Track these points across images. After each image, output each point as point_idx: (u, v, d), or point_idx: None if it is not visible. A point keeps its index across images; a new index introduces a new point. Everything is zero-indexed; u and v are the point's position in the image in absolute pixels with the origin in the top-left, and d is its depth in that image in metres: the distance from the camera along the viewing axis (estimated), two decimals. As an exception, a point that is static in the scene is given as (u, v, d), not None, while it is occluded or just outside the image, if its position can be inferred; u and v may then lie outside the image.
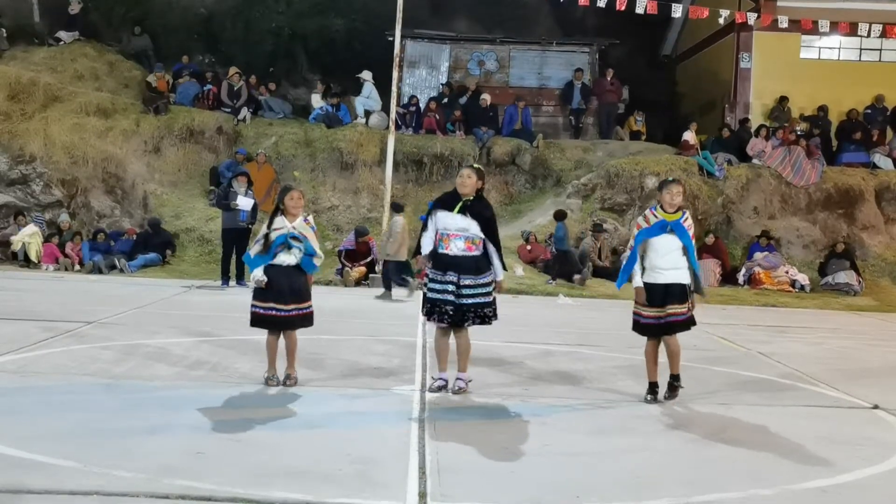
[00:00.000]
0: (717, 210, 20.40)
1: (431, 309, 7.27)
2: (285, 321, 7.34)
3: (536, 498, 4.72)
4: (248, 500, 4.43)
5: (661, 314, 7.29)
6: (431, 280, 7.30)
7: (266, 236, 7.32)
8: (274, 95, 22.73)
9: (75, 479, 4.63)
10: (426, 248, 7.44)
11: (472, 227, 7.29)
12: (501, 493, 4.79)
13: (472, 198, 7.35)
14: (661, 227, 7.32)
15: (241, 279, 15.46)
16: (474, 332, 7.52)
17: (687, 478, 5.25)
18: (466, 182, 7.33)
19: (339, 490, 4.66)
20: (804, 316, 15.57)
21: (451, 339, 7.46)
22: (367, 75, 22.21)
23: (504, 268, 7.51)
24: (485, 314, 7.32)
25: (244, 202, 15.50)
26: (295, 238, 7.30)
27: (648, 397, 7.40)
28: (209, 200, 19.64)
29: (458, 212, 7.29)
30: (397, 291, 15.20)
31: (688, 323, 7.38)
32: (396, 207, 16.32)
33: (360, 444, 5.63)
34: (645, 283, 7.35)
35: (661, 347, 7.48)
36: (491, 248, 7.37)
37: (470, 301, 7.25)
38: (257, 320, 7.39)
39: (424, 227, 7.52)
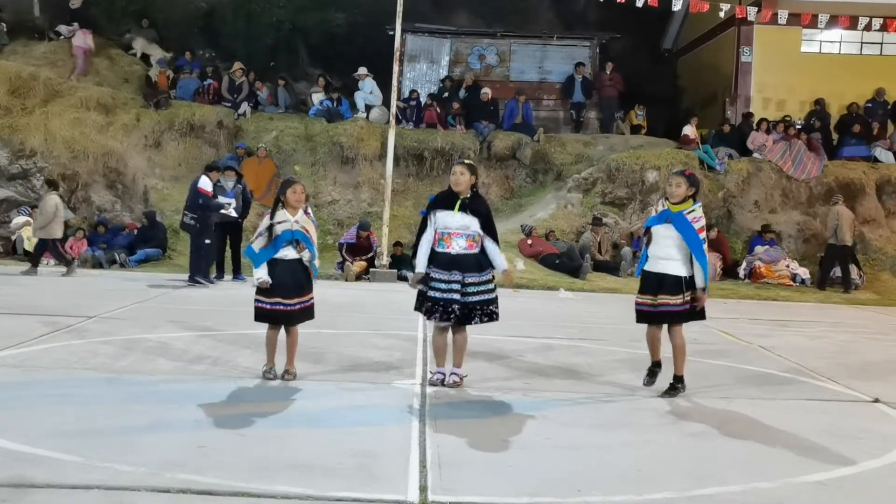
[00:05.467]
0: (717, 204, 20.40)
1: (433, 307, 7.22)
2: (289, 315, 7.34)
3: (537, 491, 4.73)
4: (250, 494, 4.44)
5: (653, 302, 7.31)
6: (433, 279, 7.24)
7: (269, 229, 7.29)
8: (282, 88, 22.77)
9: (77, 474, 4.63)
10: (423, 253, 7.36)
11: (473, 224, 7.27)
12: (502, 487, 4.79)
13: (468, 195, 7.35)
14: (662, 217, 7.34)
15: (238, 274, 15.45)
16: (475, 326, 7.52)
17: (688, 471, 5.26)
18: (460, 179, 7.30)
19: (340, 484, 4.66)
20: (805, 310, 15.57)
21: (449, 336, 7.45)
22: (363, 72, 22.21)
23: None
24: (491, 311, 7.32)
25: (224, 200, 15.52)
26: (298, 241, 7.27)
27: (647, 379, 7.40)
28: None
29: (459, 210, 7.28)
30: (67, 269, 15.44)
31: (684, 315, 7.32)
32: (51, 184, 16.34)
33: (361, 438, 5.64)
34: (645, 271, 7.41)
35: (664, 336, 7.48)
36: (491, 244, 7.36)
37: (476, 299, 7.24)
38: (262, 315, 7.38)
39: (422, 228, 7.47)
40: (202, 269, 14.71)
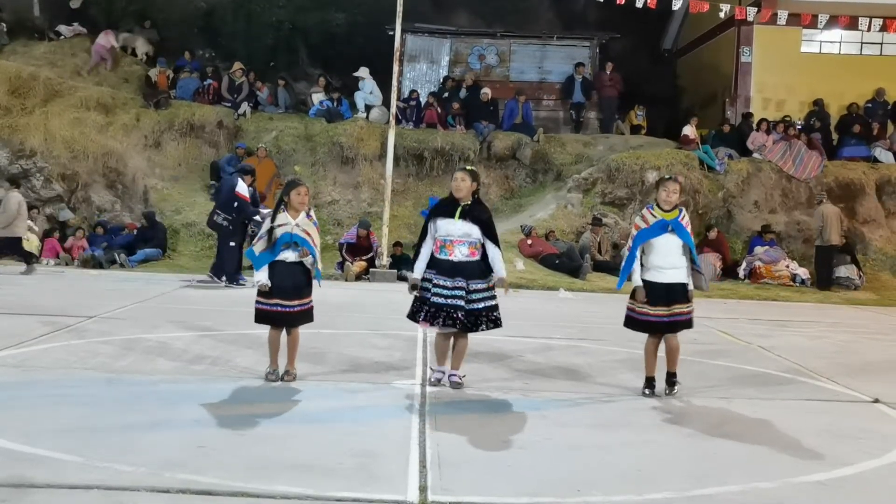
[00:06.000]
0: (717, 204, 20.40)
1: (437, 313, 7.20)
2: (289, 317, 7.35)
3: (537, 491, 4.73)
4: (249, 494, 4.44)
5: (668, 313, 7.29)
6: (436, 285, 7.24)
7: (270, 232, 7.29)
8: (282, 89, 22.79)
9: (77, 474, 4.64)
10: (422, 260, 7.38)
11: (475, 231, 7.28)
12: (502, 487, 4.79)
13: (469, 202, 7.35)
14: (662, 227, 7.30)
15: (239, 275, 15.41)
16: (476, 326, 7.53)
17: (688, 471, 5.26)
18: (461, 186, 7.31)
19: (340, 484, 4.67)
20: (805, 310, 15.57)
21: (451, 339, 7.46)
22: (363, 73, 22.22)
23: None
24: (496, 317, 7.35)
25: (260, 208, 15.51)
26: (297, 244, 7.26)
27: (647, 391, 7.42)
28: (210, 195, 19.63)
29: (459, 217, 7.28)
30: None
31: (692, 321, 7.42)
32: (13, 182, 16.47)
33: (361, 438, 5.64)
34: (646, 282, 7.34)
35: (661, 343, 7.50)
36: (493, 250, 7.35)
37: (482, 305, 7.25)
38: (262, 317, 7.39)
39: (423, 236, 7.48)
40: (223, 268, 14.89)
